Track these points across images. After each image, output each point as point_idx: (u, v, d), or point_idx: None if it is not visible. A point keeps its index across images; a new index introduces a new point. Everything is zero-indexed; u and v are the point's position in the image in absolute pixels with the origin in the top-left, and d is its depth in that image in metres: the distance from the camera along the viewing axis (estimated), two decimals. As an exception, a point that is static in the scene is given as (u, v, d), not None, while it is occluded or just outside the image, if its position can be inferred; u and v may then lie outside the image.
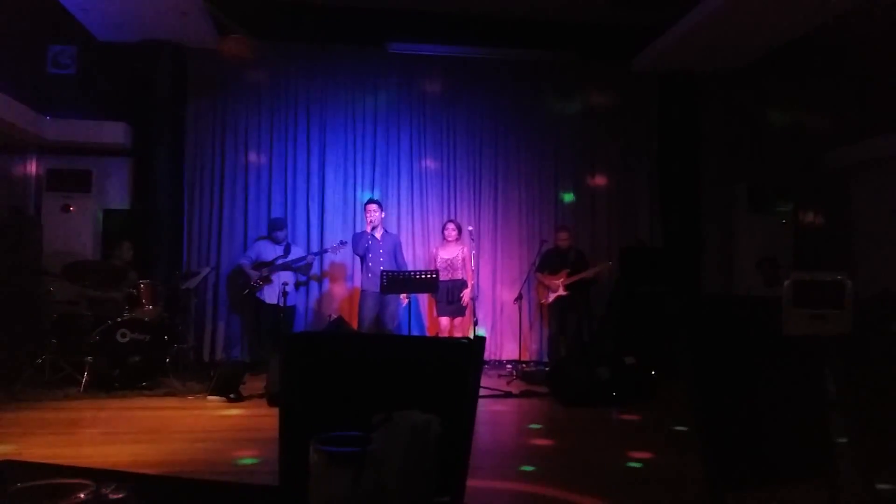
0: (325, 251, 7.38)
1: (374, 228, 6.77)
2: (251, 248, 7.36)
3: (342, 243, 7.07)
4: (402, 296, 6.68)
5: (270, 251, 7.17)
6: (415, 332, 7.81)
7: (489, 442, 4.60)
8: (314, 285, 7.83)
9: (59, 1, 6.42)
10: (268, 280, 7.01)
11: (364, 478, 0.86)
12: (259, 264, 7.10)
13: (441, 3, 7.59)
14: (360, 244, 6.79)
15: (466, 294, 7.03)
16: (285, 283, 6.77)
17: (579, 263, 7.34)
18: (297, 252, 7.28)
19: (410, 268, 7.36)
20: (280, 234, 7.22)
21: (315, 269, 7.70)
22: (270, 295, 6.98)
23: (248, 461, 3.99)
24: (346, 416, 1.21)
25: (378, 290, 6.46)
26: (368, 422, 1.02)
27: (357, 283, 7.52)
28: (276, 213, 7.81)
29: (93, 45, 7.41)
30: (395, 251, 6.94)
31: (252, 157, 7.91)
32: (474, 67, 8.23)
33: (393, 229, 7.70)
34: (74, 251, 7.08)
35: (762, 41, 7.26)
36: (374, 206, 6.85)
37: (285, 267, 7.08)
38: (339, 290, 7.90)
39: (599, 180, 8.47)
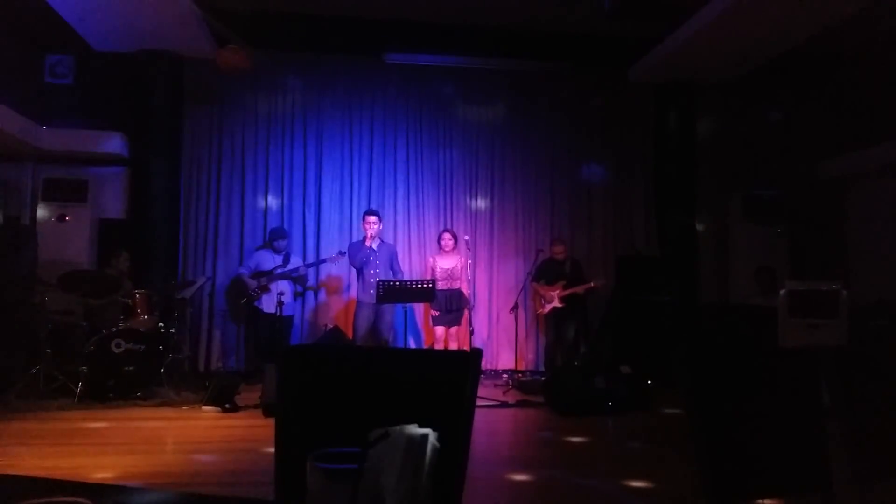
0: (324, 261, 7.37)
1: (371, 239, 6.77)
2: (250, 258, 7.35)
3: (341, 254, 7.06)
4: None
5: (270, 260, 7.17)
6: (411, 342, 7.82)
7: (485, 452, 4.59)
8: (310, 295, 7.82)
9: (56, 11, 6.42)
10: (266, 289, 7.01)
11: (361, 494, 0.86)
12: (258, 273, 7.10)
13: (438, 14, 7.63)
14: (358, 256, 6.78)
15: (466, 312, 7.05)
16: (281, 293, 6.76)
17: (576, 275, 7.34)
18: (296, 261, 7.29)
19: (407, 276, 7.36)
20: (280, 244, 7.23)
21: (311, 280, 7.70)
22: (268, 304, 6.97)
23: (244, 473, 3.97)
24: (343, 428, 1.20)
25: (374, 300, 6.46)
26: (365, 434, 1.02)
27: (353, 293, 7.51)
28: (273, 222, 7.81)
29: (90, 55, 7.42)
30: (392, 260, 6.94)
31: (248, 166, 7.91)
32: (471, 78, 8.27)
33: (389, 239, 7.71)
34: (70, 261, 7.06)
35: (757, 52, 7.31)
36: (373, 218, 6.84)
37: (283, 276, 7.08)
38: (335, 299, 7.89)
39: (595, 189, 8.49)
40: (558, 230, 8.21)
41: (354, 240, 7.42)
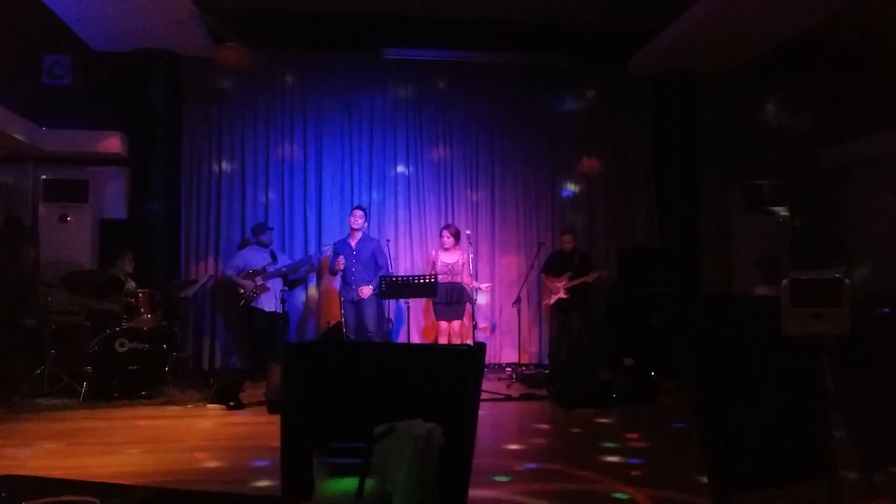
0: (319, 258, 7.34)
1: (353, 236, 6.84)
2: (237, 258, 7.12)
3: (325, 251, 7.14)
4: (366, 288, 6.66)
5: (259, 259, 7.02)
6: (413, 337, 7.82)
7: (489, 446, 4.59)
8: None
9: (53, 11, 6.41)
10: (264, 288, 6.91)
11: (367, 489, 0.87)
12: (252, 273, 6.95)
13: (436, 8, 7.60)
14: (337, 252, 6.87)
15: (468, 305, 7.05)
16: (283, 290, 6.76)
17: (583, 266, 7.32)
18: (282, 259, 7.21)
19: (405, 271, 7.36)
20: (266, 238, 7.11)
21: (312, 276, 7.71)
22: (268, 303, 6.93)
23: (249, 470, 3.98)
24: (348, 424, 1.20)
25: (353, 297, 6.66)
26: (370, 430, 1.03)
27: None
28: (274, 219, 7.80)
29: (88, 54, 7.41)
30: (374, 256, 6.90)
31: (248, 164, 7.91)
32: (470, 71, 8.25)
33: (390, 233, 7.72)
34: (72, 261, 7.07)
35: (756, 42, 7.29)
36: (359, 213, 6.92)
37: (277, 274, 7.02)
38: (334, 297, 7.88)
39: (596, 182, 8.47)
40: (559, 223, 8.21)
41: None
